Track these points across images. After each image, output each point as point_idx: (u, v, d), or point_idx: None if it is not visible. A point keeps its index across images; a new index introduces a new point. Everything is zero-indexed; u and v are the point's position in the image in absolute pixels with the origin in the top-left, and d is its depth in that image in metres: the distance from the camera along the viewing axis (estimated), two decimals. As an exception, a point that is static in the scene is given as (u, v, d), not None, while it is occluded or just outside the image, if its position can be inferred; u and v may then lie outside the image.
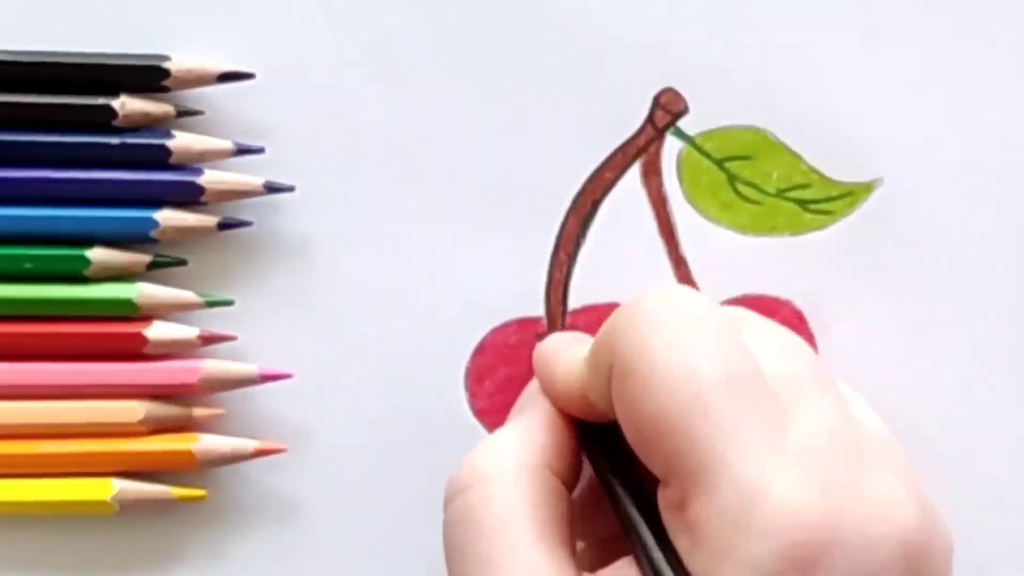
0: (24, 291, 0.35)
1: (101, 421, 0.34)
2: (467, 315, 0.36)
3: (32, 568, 0.36)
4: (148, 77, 0.35)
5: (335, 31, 0.36)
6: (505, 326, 0.36)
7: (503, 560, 0.29)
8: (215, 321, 0.35)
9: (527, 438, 0.32)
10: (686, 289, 0.32)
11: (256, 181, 0.35)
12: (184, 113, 0.35)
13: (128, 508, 0.35)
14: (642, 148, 0.36)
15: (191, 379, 0.35)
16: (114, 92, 0.35)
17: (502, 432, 0.33)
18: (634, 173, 0.36)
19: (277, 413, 0.36)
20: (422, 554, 0.36)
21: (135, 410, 0.34)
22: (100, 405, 0.35)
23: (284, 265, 0.36)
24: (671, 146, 0.36)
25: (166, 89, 0.35)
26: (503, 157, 0.36)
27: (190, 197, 0.35)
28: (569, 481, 0.32)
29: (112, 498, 0.34)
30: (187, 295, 0.35)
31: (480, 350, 0.36)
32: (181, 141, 0.35)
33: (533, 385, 0.34)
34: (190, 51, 0.35)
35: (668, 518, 0.28)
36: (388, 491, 0.36)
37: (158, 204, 0.35)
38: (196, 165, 0.35)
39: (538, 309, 0.36)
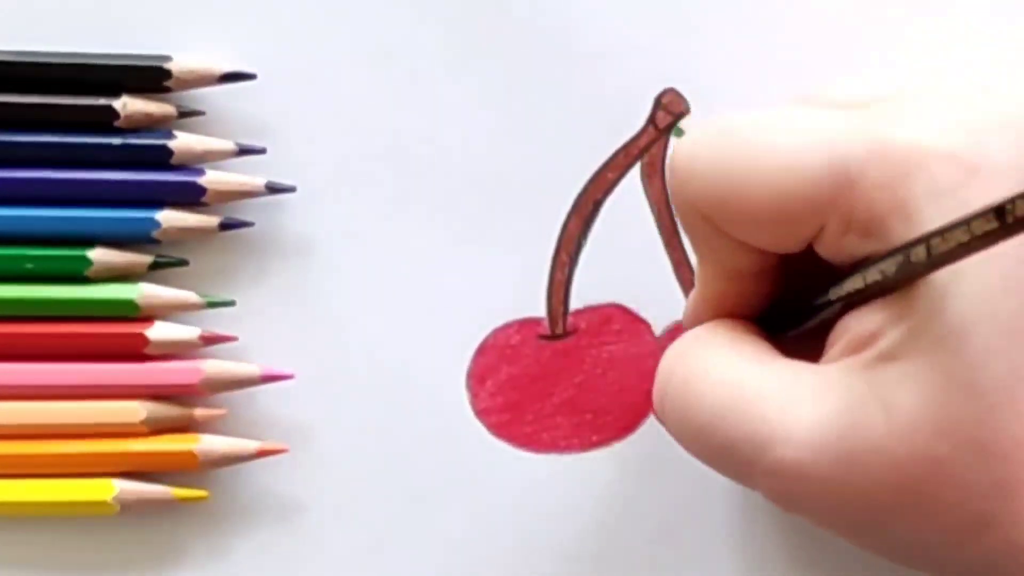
0: (25, 291, 0.35)
1: (102, 421, 0.34)
2: (469, 315, 0.36)
3: (32, 568, 0.36)
4: (150, 77, 0.35)
5: (336, 31, 0.36)
6: (507, 327, 0.36)
7: (723, 377, 0.30)
8: (216, 321, 0.35)
9: (706, 330, 0.32)
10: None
11: (257, 181, 0.35)
12: (185, 113, 0.35)
13: (129, 508, 0.35)
14: (644, 149, 0.36)
15: (192, 379, 0.35)
16: (115, 92, 0.35)
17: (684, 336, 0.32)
18: (636, 174, 0.36)
19: (278, 413, 0.36)
20: (422, 554, 0.36)
21: (136, 410, 0.34)
22: (101, 406, 0.35)
23: (285, 265, 0.36)
24: (673, 147, 0.36)
25: (167, 89, 0.35)
26: (504, 157, 0.36)
27: (191, 197, 0.35)
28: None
29: (113, 498, 0.34)
30: (188, 295, 0.35)
31: (482, 350, 0.36)
32: (182, 141, 0.35)
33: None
34: (191, 52, 0.35)
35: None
36: (389, 491, 0.36)
37: (159, 204, 0.35)
38: (197, 165, 0.35)
39: (540, 310, 0.36)
